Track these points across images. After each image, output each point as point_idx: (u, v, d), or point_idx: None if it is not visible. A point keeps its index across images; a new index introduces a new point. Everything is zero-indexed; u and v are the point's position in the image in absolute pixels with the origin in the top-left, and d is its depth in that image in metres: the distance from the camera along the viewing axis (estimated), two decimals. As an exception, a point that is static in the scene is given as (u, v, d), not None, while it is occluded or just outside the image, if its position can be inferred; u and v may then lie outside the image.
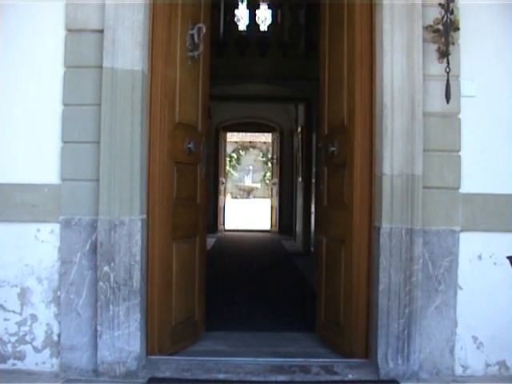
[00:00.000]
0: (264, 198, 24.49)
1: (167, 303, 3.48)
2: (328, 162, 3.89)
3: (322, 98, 3.99)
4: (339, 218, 3.69)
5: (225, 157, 13.65)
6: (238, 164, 26.22)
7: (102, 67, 3.23)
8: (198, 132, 3.79)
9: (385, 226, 3.30)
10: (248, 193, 25.31)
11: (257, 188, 25.42)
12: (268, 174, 24.98)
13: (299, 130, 10.54)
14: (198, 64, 3.70)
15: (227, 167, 23.76)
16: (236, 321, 4.30)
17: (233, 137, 23.53)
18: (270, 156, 22.12)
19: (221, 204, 12.89)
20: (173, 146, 3.49)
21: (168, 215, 3.47)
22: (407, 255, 3.26)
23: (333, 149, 3.76)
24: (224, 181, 13.10)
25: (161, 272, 3.43)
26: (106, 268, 3.24)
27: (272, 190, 13.64)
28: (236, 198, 25.15)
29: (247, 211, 18.98)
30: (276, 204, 12.95)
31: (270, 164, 21.37)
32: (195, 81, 3.67)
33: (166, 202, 3.48)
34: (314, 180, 8.43)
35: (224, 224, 13.17)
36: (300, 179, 10.16)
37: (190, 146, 3.75)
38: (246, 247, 10.16)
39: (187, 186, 3.66)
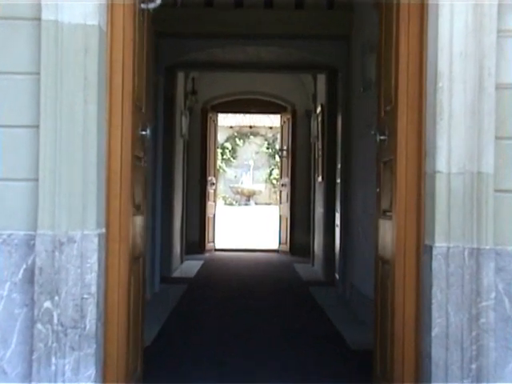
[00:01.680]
0: (269, 204, 24.54)
1: (128, 352, 3.55)
2: (379, 155, 3.98)
3: (378, 67, 4.10)
4: (386, 232, 3.76)
5: (215, 148, 13.73)
6: (234, 158, 26.27)
7: (40, 20, 3.26)
8: (144, 115, 3.90)
9: (439, 244, 3.35)
10: (247, 198, 25.40)
11: (260, 191, 25.50)
12: (275, 171, 25.06)
13: (319, 110, 10.58)
14: (147, 19, 3.81)
15: (219, 162, 23.82)
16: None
17: (226, 120, 23.57)
18: (277, 147, 22.18)
19: (210, 213, 12.97)
20: (133, 134, 3.59)
21: (129, 228, 3.56)
22: (472, 286, 3.29)
23: (382, 137, 3.84)
24: (214, 181, 13.19)
25: (123, 307, 3.54)
26: (48, 304, 3.26)
27: (281, 193, 13.72)
28: (231, 204, 25.22)
29: (246, 223, 19.04)
30: (286, 213, 13.02)
31: (277, 158, 21.44)
32: (141, 40, 3.81)
33: (129, 211, 3.58)
34: (339, 180, 8.45)
35: (214, 241, 13.27)
36: (320, 178, 10.20)
37: (144, 133, 3.82)
38: (244, 274, 10.21)
39: (138, 189, 3.80)
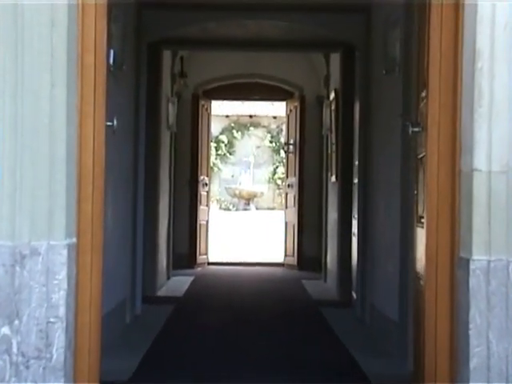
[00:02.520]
0: (273, 209, 24.47)
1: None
2: (414, 150, 4.06)
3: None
4: (420, 242, 3.82)
5: (208, 142, 13.73)
6: (231, 154, 26.25)
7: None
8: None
9: (478, 257, 3.37)
10: (247, 201, 25.37)
11: (261, 193, 25.46)
12: (280, 169, 24.99)
13: (332, 96, 10.59)
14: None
15: (212, 159, 23.75)
16: None
17: (222, 108, 23.54)
18: (282, 140, 22.13)
19: (202, 220, 13.02)
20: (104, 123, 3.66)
21: (102, 237, 3.62)
22: (519, 308, 3.32)
23: (416, 129, 3.89)
24: (207, 181, 13.18)
25: (95, 331, 3.56)
26: (6, 330, 3.26)
27: (286, 196, 13.73)
28: (227, 209, 25.15)
29: (246, 231, 18.94)
30: (293, 219, 13.03)
31: (282, 153, 21.42)
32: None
33: (101, 216, 3.61)
34: (356, 180, 8.52)
35: (207, 253, 13.32)
36: (334, 178, 10.22)
37: (110, 124, 3.87)
38: (243, 293, 10.20)
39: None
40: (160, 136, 9.73)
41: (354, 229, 8.58)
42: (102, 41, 3.57)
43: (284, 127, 16.87)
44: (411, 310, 4.62)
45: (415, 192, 4.05)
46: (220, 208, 25.34)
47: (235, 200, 25.67)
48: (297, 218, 12.84)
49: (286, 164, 14.20)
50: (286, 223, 13.47)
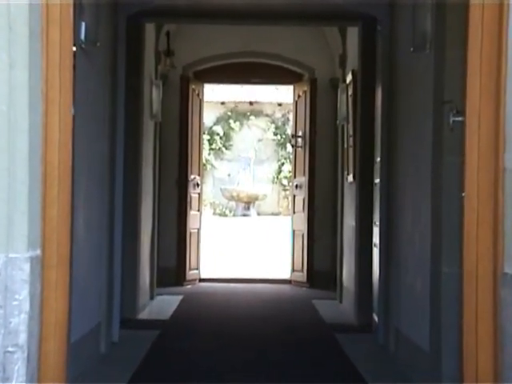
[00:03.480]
0: (278, 215, 24.45)
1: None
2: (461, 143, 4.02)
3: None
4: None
5: (200, 134, 13.69)
6: (227, 148, 26.29)
7: None
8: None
9: None
10: (246, 205, 25.41)
11: (264, 196, 25.54)
12: (286, 167, 24.96)
13: (349, 78, 10.56)
14: None
15: (205, 154, 23.69)
16: None
17: (216, 93, 23.47)
18: (289, 132, 22.06)
19: (192, 228, 12.99)
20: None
21: (68, 247, 3.64)
22: None
23: (458, 118, 3.98)
24: (199, 181, 13.17)
25: (61, 361, 3.56)
26: (-46, 361, 3.29)
27: (294, 199, 13.68)
28: (223, 215, 25.19)
29: (245, 242, 18.96)
30: (302, 227, 13.01)
31: (289, 148, 21.38)
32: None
33: (68, 222, 3.63)
34: (378, 179, 8.51)
35: (199, 268, 13.32)
36: (351, 177, 10.22)
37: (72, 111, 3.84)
38: (242, 316, 10.17)
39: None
40: (142, 127, 9.72)
41: (376, 238, 8.56)
42: (69, 11, 3.57)
43: (291, 116, 16.94)
44: (445, 335, 4.61)
45: (463, 194, 4.01)
46: (214, 213, 25.36)
47: (232, 204, 25.69)
48: (306, 226, 12.81)
49: (293, 160, 14.11)
50: (293, 232, 13.44)
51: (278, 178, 26.32)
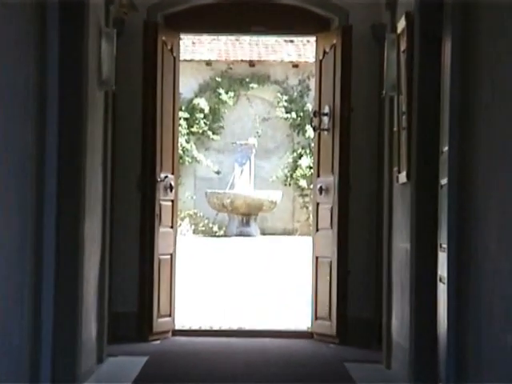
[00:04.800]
0: (292, 234, 24.59)
1: None
2: None
3: None
4: None
5: (175, 110, 13.33)
6: (216, 132, 26.59)
7: None
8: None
9: None
10: (245, 218, 25.27)
11: (271, 204, 25.42)
12: (305, 160, 25.16)
13: (401, 26, 10.30)
14: None
15: (182, 141, 23.82)
16: None
17: (199, 48, 23.81)
18: (310, 107, 21.94)
19: (162, 253, 12.73)
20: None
21: None
22: None
23: None
24: (173, 182, 12.84)
25: None
26: None
27: (318, 209, 13.44)
28: (210, 233, 25.51)
29: (242, 274, 19.19)
30: (330, 252, 12.79)
31: (309, 132, 21.13)
32: None
33: None
34: (445, 180, 8.23)
35: (172, 314, 13.08)
36: (404, 176, 10.05)
37: None
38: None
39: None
40: (86, 100, 9.54)
41: (442, 269, 8.32)
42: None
43: (312, 83, 17.16)
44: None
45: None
46: (196, 231, 25.59)
47: (223, 217, 25.82)
48: (336, 250, 12.50)
49: (316, 151, 13.79)
50: (315, 259, 13.14)
51: (292, 177, 26.46)
